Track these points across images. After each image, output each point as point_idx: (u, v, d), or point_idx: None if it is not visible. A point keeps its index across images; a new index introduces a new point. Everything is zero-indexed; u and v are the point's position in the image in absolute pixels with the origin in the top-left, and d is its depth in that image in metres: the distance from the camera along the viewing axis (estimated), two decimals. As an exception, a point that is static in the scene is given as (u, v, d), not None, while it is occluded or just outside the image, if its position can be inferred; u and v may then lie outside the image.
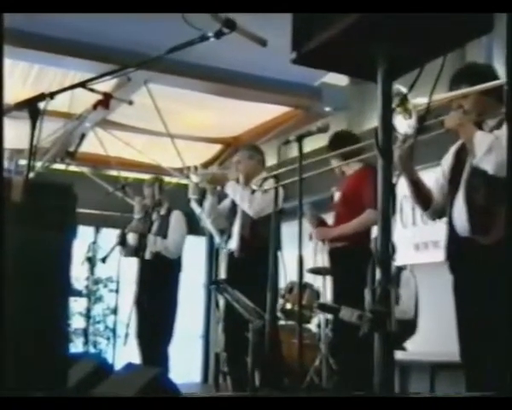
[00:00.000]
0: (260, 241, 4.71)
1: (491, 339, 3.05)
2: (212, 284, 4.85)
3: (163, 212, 6.24)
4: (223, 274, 5.28)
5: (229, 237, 5.29)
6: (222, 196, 5.44)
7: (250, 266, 4.84)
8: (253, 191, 5.11)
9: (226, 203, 5.43)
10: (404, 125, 2.78)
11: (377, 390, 1.92)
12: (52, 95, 2.62)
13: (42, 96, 2.55)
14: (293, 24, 2.15)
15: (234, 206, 5.30)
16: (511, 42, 1.93)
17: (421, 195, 3.48)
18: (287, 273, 4.68)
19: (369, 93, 2.07)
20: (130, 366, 4.02)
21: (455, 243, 3.30)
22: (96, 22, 5.29)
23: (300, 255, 3.41)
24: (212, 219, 5.33)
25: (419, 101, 2.76)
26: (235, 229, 5.23)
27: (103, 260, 6.12)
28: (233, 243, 5.21)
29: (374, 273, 1.94)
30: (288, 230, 4.53)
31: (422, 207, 3.53)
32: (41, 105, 2.58)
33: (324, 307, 4.95)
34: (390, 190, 2.02)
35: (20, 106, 2.49)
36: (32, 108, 2.48)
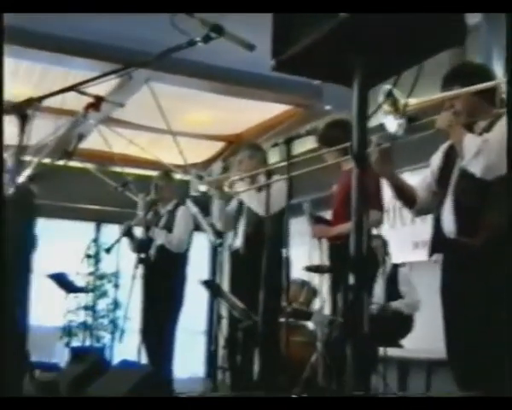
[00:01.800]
0: (265, 239, 4.71)
1: (475, 339, 3.09)
2: (204, 283, 4.89)
3: (170, 207, 6.26)
4: (225, 272, 5.31)
5: (235, 235, 5.33)
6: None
7: (255, 263, 4.87)
8: (260, 189, 5.15)
9: (233, 205, 5.47)
10: (394, 124, 2.81)
11: (352, 390, 1.96)
12: (41, 99, 2.67)
13: (30, 101, 2.60)
14: (272, 32, 2.20)
15: (240, 205, 5.34)
16: (511, 42, 1.96)
17: (403, 195, 3.47)
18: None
19: (372, 91, 2.13)
20: (125, 362, 4.09)
21: (440, 243, 3.32)
22: (97, 21, 5.34)
23: (287, 256, 3.45)
24: (224, 223, 5.38)
25: (410, 101, 2.79)
26: (241, 227, 5.27)
27: (107, 250, 6.16)
28: (238, 241, 5.25)
29: (347, 278, 1.99)
30: (293, 227, 4.54)
31: (406, 205, 3.53)
32: (30, 109, 2.63)
33: (297, 313, 4.97)
34: (363, 197, 2.05)
35: (9, 111, 2.53)
36: (21, 112, 2.52)
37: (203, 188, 5.24)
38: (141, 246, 6.24)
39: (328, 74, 2.30)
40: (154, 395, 3.39)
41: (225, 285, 5.31)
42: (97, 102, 3.03)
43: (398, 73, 2.17)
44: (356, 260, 1.97)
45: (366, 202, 2.05)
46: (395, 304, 6.02)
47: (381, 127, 2.82)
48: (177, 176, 8.13)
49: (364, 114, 2.07)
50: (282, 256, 4.72)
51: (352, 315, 1.89)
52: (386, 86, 2.59)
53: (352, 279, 1.95)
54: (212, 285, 4.68)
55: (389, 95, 2.61)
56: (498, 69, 5.26)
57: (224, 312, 5.55)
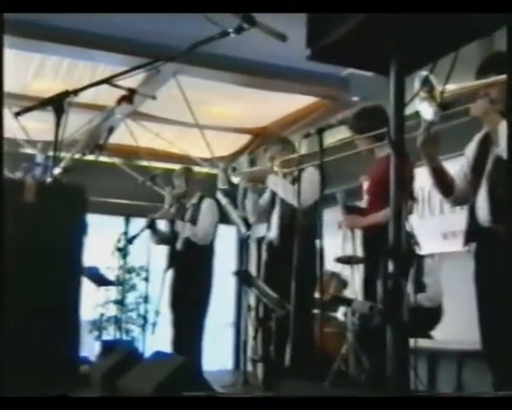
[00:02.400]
0: (299, 230, 4.69)
1: (509, 328, 3.07)
2: (237, 273, 4.90)
3: (194, 200, 6.29)
4: (253, 263, 5.33)
5: (269, 227, 5.34)
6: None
7: (289, 255, 4.86)
8: (294, 181, 5.15)
9: (265, 197, 5.48)
10: (429, 111, 2.80)
11: (390, 381, 1.97)
12: (76, 92, 2.70)
13: (66, 94, 2.62)
14: (307, 20, 2.20)
15: (272, 197, 5.36)
16: (511, 41, 1.94)
17: (442, 182, 3.48)
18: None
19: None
20: (158, 354, 4.11)
21: (475, 232, 3.31)
22: (123, 16, 5.35)
23: (321, 246, 3.44)
24: (257, 215, 5.40)
25: (446, 88, 2.77)
26: (274, 219, 5.28)
27: (130, 241, 6.20)
28: (272, 233, 5.26)
29: (386, 265, 1.98)
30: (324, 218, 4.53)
31: (444, 194, 3.54)
32: (66, 101, 2.65)
33: (337, 299, 4.94)
34: (403, 184, 2.05)
35: (46, 103, 2.56)
36: (57, 104, 2.55)
37: (235, 180, 5.26)
38: (164, 239, 6.30)
39: (363, 63, 2.30)
40: (188, 385, 3.41)
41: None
42: (130, 95, 3.05)
43: (435, 60, 2.16)
44: (395, 247, 1.96)
45: (404, 189, 2.04)
46: (417, 297, 5.98)
47: (416, 115, 2.81)
48: (204, 169, 8.18)
49: (402, 101, 2.07)
50: (315, 247, 4.72)
51: (393, 302, 1.89)
52: (423, 73, 2.58)
53: (391, 267, 1.95)
54: (245, 275, 4.69)
55: (426, 81, 2.60)
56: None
57: (253, 303, 5.56)
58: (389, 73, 2.12)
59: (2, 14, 2.31)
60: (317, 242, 3.75)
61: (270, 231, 5.29)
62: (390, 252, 1.94)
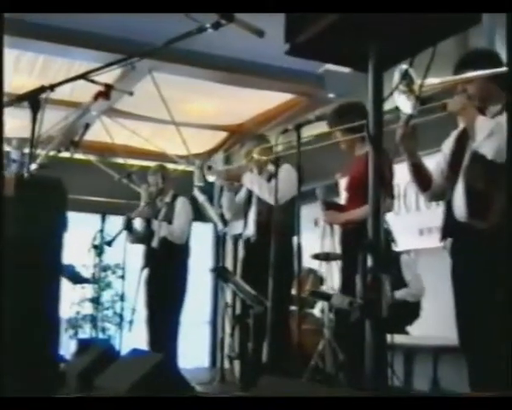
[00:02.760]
0: (275, 227, 4.69)
1: (486, 323, 3.10)
2: (214, 270, 4.90)
3: (168, 199, 6.28)
4: (229, 260, 5.34)
5: (245, 224, 5.34)
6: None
7: (266, 251, 4.87)
8: (270, 177, 5.16)
9: (242, 195, 5.48)
10: (408, 105, 2.81)
11: (368, 376, 1.97)
12: (53, 87, 2.67)
13: (42, 89, 2.60)
14: (286, 16, 2.20)
15: (248, 195, 5.36)
16: (511, 42, 1.96)
17: (420, 177, 3.50)
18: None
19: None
20: (135, 351, 4.09)
21: (451, 227, 3.33)
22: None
23: (299, 243, 3.45)
24: (233, 214, 5.41)
25: (424, 82, 2.79)
26: (251, 216, 5.29)
27: (109, 243, 6.18)
28: (249, 230, 5.26)
29: (365, 260, 1.99)
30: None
31: (421, 188, 3.55)
32: (42, 97, 2.63)
33: (316, 294, 4.94)
34: (381, 179, 2.06)
35: (22, 98, 2.53)
36: (33, 100, 2.52)
37: (211, 178, 5.25)
38: (140, 238, 6.29)
39: (341, 58, 2.30)
40: (165, 382, 3.40)
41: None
42: (107, 91, 3.03)
43: (413, 56, 2.17)
44: (374, 242, 1.97)
45: (382, 184, 2.05)
46: (400, 293, 6.02)
47: (396, 110, 2.82)
48: (180, 166, 8.14)
49: (380, 97, 2.07)
50: (292, 244, 4.72)
51: (372, 297, 1.89)
52: (403, 66, 2.59)
53: (370, 262, 1.96)
54: (222, 272, 4.68)
55: (405, 75, 2.61)
56: (502, 55, 5.27)
57: (230, 300, 5.57)
58: (367, 68, 2.12)
59: (2, 14, 2.28)
60: (295, 238, 3.75)
61: (246, 228, 5.30)
62: (369, 247, 1.94)
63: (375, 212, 2.01)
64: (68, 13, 3.22)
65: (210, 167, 5.25)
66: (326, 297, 4.41)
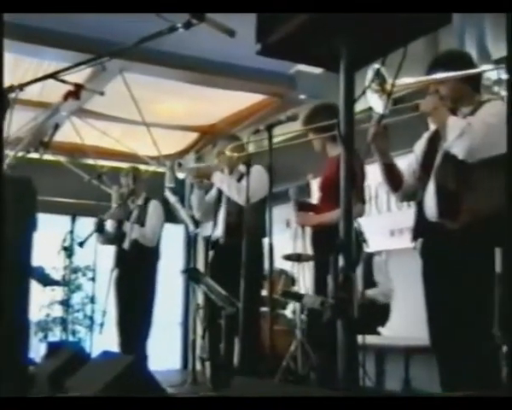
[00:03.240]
0: (246, 228, 4.68)
1: (457, 323, 3.12)
2: (185, 271, 4.87)
3: (140, 201, 6.27)
4: (200, 261, 5.32)
5: (215, 225, 5.32)
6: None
7: (236, 252, 4.86)
8: (241, 177, 5.15)
9: (212, 194, 5.46)
10: (379, 104, 2.82)
11: (340, 376, 1.97)
12: (22, 86, 2.64)
13: (11, 88, 2.56)
14: (257, 16, 2.19)
15: (219, 195, 5.35)
16: (511, 42, 1.97)
17: (392, 177, 3.50)
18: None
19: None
20: (106, 353, 4.06)
21: (423, 227, 3.35)
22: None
23: (270, 243, 3.44)
24: (203, 213, 5.39)
25: (396, 81, 2.79)
26: (221, 217, 5.26)
27: (81, 244, 6.13)
28: (218, 231, 5.24)
29: (337, 261, 1.99)
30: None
31: (392, 188, 3.56)
32: (11, 96, 2.60)
33: (288, 295, 4.94)
34: (352, 179, 2.06)
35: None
36: (1, 99, 2.49)
37: (181, 175, 5.23)
38: (110, 239, 6.27)
39: (313, 58, 2.30)
40: (137, 384, 3.37)
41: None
42: (77, 90, 3.00)
43: (384, 55, 2.17)
44: (346, 242, 1.97)
45: (353, 185, 2.05)
46: (370, 292, 6.05)
47: (368, 110, 2.83)
48: (151, 167, 8.11)
49: (352, 97, 2.07)
50: (262, 245, 4.71)
51: (344, 297, 1.89)
52: (375, 65, 2.59)
53: (342, 262, 1.96)
54: (194, 273, 4.66)
55: (377, 74, 2.62)
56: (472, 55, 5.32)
57: (202, 301, 5.54)
58: (339, 68, 2.12)
59: (2, 14, 2.25)
60: (267, 239, 3.74)
61: (216, 229, 5.28)
62: (340, 247, 1.94)
63: (346, 212, 2.01)
64: (67, 13, 3.17)
65: (180, 164, 5.23)
66: (298, 297, 4.41)
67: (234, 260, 4.58)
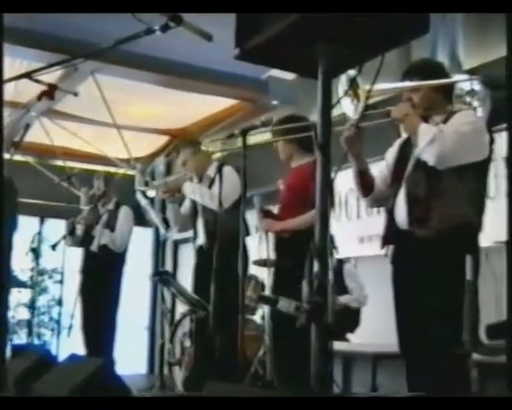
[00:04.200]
0: (227, 232, 4.65)
1: (427, 329, 3.14)
2: (155, 275, 4.85)
3: (111, 206, 6.25)
4: (168, 265, 5.30)
5: (195, 234, 5.29)
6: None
7: (219, 257, 4.84)
8: (212, 182, 5.13)
9: (186, 205, 5.43)
10: (351, 108, 2.84)
11: (313, 381, 1.97)
12: (-3, 85, 2.60)
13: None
14: (236, 20, 2.19)
15: (194, 205, 5.31)
16: (511, 42, 1.98)
17: (364, 181, 3.50)
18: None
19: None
20: (73, 356, 4.01)
21: (392, 234, 3.37)
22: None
23: (244, 247, 3.44)
24: (181, 226, 5.36)
25: (370, 88, 2.81)
26: (200, 226, 5.23)
27: (53, 247, 6.10)
28: (200, 239, 5.21)
29: (311, 265, 1.99)
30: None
31: (363, 193, 3.55)
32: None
33: (263, 299, 4.94)
34: (329, 185, 2.07)
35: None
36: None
37: (151, 193, 5.21)
38: (78, 242, 6.25)
39: (292, 64, 2.30)
40: (107, 387, 3.34)
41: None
42: (51, 90, 2.98)
43: (361, 63, 2.19)
44: (321, 248, 1.98)
45: (331, 191, 2.06)
46: (343, 298, 6.08)
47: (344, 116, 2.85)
48: (121, 170, 8.06)
49: (329, 103, 2.08)
50: (236, 249, 4.71)
51: (318, 301, 1.90)
52: (351, 72, 2.61)
53: (316, 267, 1.96)
54: (165, 276, 4.64)
55: (353, 81, 2.64)
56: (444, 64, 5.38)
57: (169, 305, 5.53)
58: (316, 74, 2.12)
59: (2, 14, 2.22)
60: (241, 242, 3.74)
61: (197, 238, 5.25)
62: (316, 252, 1.95)
63: (322, 216, 2.02)
64: (67, 13, 3.13)
65: (147, 183, 5.20)
66: (273, 302, 4.41)
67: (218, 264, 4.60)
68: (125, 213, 6.24)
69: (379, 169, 3.59)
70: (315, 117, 2.14)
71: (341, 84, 2.66)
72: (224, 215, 4.40)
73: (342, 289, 6.13)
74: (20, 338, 8.48)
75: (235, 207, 4.75)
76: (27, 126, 4.51)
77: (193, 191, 5.15)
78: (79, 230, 6.29)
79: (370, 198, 3.56)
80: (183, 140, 7.16)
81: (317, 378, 1.98)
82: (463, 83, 3.09)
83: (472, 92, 3.06)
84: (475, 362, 2.88)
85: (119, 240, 6.15)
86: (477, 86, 3.02)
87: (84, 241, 6.24)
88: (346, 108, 2.82)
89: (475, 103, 3.03)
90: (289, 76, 7.10)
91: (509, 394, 1.68)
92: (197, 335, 3.95)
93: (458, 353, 2.98)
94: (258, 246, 5.60)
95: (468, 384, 2.94)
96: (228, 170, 4.92)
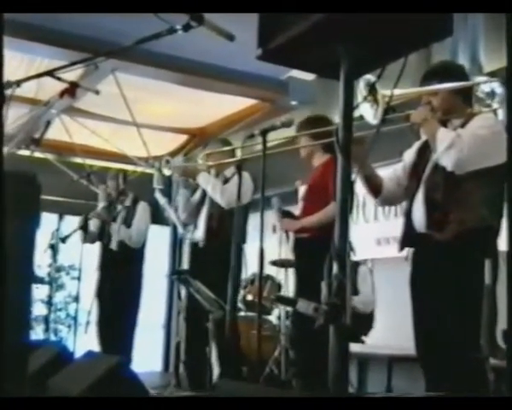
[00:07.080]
0: (226, 232, 4.71)
1: (444, 333, 3.13)
2: (174, 274, 4.86)
3: (128, 203, 6.27)
4: (186, 264, 5.31)
5: (195, 227, 5.32)
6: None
7: (215, 256, 4.88)
8: (226, 181, 5.16)
9: (197, 196, 5.46)
10: (370, 114, 2.84)
11: (331, 382, 1.97)
12: (19, 83, 2.63)
13: (9, 84, 2.55)
14: (259, 20, 2.19)
15: (202, 197, 5.34)
16: (511, 42, 1.98)
17: (371, 185, 3.53)
18: (247, 265, 4.75)
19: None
20: (90, 353, 4.03)
21: (410, 238, 3.36)
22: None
23: (261, 248, 3.44)
24: (188, 214, 5.38)
25: (388, 92, 2.80)
26: (202, 219, 5.26)
27: (63, 240, 6.13)
28: (199, 234, 5.24)
29: (331, 267, 1.99)
30: (255, 221, 4.54)
31: (372, 193, 3.59)
32: (7, 93, 2.58)
33: (281, 300, 4.97)
34: (349, 186, 2.06)
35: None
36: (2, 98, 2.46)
37: (168, 172, 5.24)
38: (94, 239, 6.27)
39: (314, 65, 2.30)
40: (122, 385, 3.35)
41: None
42: (72, 88, 3.00)
43: (384, 65, 2.18)
44: (340, 249, 1.97)
45: (352, 191, 2.05)
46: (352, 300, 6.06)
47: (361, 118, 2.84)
48: (140, 168, 8.08)
49: (351, 104, 2.08)
50: (242, 250, 4.74)
51: (336, 302, 1.90)
52: (367, 76, 2.61)
53: (335, 269, 1.96)
54: (183, 275, 4.63)
55: (372, 86, 2.64)
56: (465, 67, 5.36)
57: (185, 304, 5.53)
58: (338, 76, 2.12)
59: (2, 14, 2.23)
60: (246, 244, 3.75)
61: (196, 231, 5.29)
62: (336, 253, 1.95)
63: (342, 219, 2.01)
64: (67, 13, 3.16)
65: (168, 161, 5.24)
66: (292, 302, 4.44)
67: (212, 263, 4.62)
68: (143, 208, 6.27)
69: (393, 168, 3.59)
70: (335, 117, 2.14)
71: (360, 90, 2.66)
72: (232, 214, 4.44)
73: (353, 291, 6.12)
74: (37, 334, 8.51)
75: (245, 207, 4.81)
76: (48, 124, 4.54)
77: (207, 182, 5.20)
78: (94, 226, 6.31)
79: (381, 198, 3.58)
80: (215, 137, 7.19)
81: (334, 379, 1.98)
82: (484, 85, 3.06)
83: (492, 94, 3.03)
84: (492, 366, 2.86)
85: (136, 236, 6.17)
86: (497, 88, 2.99)
87: (100, 238, 6.26)
88: (366, 113, 2.81)
89: (495, 105, 3.00)
90: (309, 77, 7.10)
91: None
92: (214, 335, 3.96)
93: (476, 357, 2.97)
94: (279, 246, 5.62)
95: (486, 389, 2.92)
96: (244, 174, 4.95)
